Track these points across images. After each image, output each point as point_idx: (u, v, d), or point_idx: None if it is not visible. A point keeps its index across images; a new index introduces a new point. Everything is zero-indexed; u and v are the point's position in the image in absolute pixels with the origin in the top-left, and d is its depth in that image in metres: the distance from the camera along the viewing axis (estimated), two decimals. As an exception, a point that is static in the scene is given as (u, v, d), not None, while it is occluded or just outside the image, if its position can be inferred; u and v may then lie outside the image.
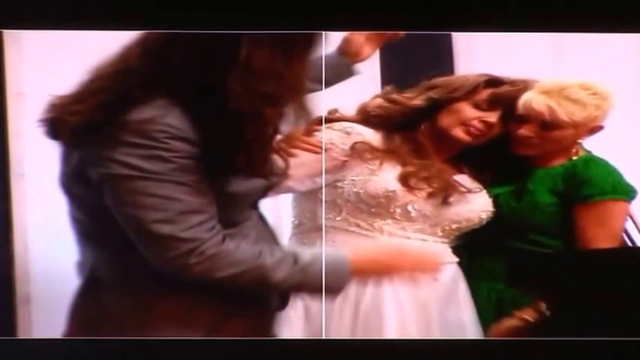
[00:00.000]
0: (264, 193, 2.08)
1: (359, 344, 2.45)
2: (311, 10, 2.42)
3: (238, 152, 1.86)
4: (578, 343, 2.39)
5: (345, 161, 2.51)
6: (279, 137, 2.02)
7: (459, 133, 2.55)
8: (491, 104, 2.54)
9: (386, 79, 2.70)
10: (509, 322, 2.49)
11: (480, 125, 2.54)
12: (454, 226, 2.56)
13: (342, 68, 2.56)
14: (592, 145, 2.63)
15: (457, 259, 2.61)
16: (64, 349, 2.32)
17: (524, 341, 2.44)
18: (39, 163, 2.56)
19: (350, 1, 2.47)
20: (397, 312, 2.47)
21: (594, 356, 2.42)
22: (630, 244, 2.63)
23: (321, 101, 2.47)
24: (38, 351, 2.42)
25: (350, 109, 2.65)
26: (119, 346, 2.14)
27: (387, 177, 2.50)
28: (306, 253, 2.00)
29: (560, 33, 2.60)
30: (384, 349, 2.45)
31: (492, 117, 2.55)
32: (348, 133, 2.54)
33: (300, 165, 2.42)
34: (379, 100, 2.63)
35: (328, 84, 2.52)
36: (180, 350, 2.15)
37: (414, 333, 2.49)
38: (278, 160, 2.07)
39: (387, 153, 2.54)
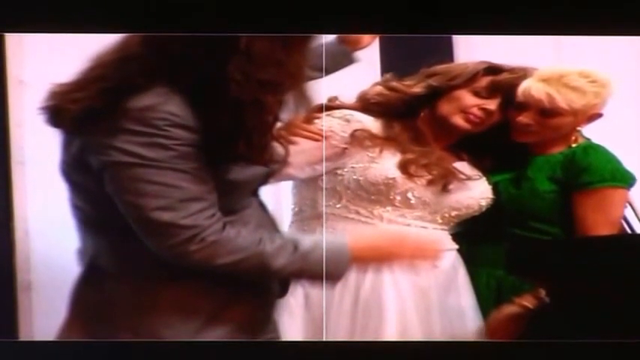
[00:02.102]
0: (265, 180, 2.08)
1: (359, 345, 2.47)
2: (311, 12, 2.42)
3: (238, 140, 1.86)
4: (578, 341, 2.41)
5: (345, 149, 2.51)
6: (279, 125, 2.02)
7: (458, 120, 2.56)
8: (490, 92, 2.55)
9: (385, 67, 2.71)
10: (509, 309, 2.50)
11: (479, 113, 2.55)
12: (454, 214, 2.57)
13: (342, 56, 2.57)
14: (591, 132, 2.64)
15: (457, 246, 2.62)
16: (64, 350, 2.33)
17: (523, 341, 2.46)
18: (39, 151, 2.56)
19: (349, 4, 2.46)
20: (397, 299, 2.48)
21: (593, 351, 2.43)
22: (630, 231, 2.63)
23: (321, 89, 2.47)
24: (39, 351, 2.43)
25: (350, 96, 2.65)
26: (118, 347, 2.15)
27: (386, 164, 2.51)
28: (306, 240, 2.00)
29: (560, 36, 2.61)
30: (384, 350, 2.46)
31: (492, 104, 2.55)
32: (347, 121, 2.54)
33: (300, 152, 2.43)
34: (379, 88, 2.64)
35: (328, 72, 2.52)
36: (179, 350, 2.15)
37: (413, 320, 2.50)
38: (278, 148, 2.07)
39: (387, 140, 2.54)
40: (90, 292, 2.02)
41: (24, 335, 2.71)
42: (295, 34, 1.94)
